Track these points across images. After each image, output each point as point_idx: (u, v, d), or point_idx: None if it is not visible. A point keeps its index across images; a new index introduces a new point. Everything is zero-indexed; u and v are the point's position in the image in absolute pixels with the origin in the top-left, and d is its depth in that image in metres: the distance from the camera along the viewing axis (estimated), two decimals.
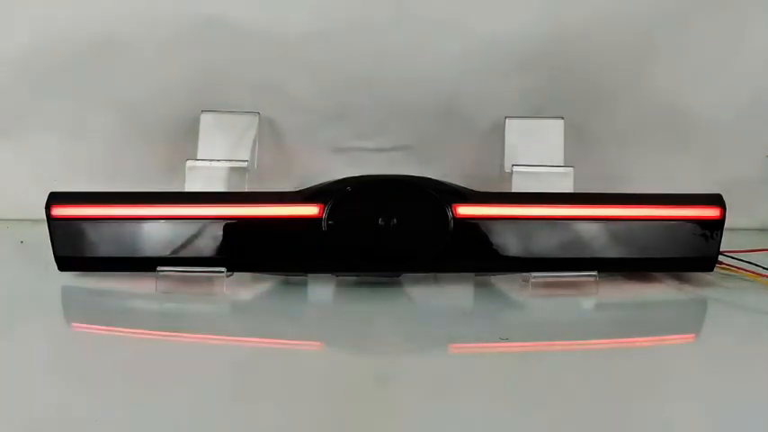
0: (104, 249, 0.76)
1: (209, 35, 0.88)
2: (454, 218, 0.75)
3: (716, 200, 0.77)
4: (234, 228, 0.76)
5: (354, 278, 0.79)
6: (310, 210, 0.75)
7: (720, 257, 0.78)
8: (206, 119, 0.88)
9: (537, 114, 0.89)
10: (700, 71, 0.91)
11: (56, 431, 0.55)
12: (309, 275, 0.79)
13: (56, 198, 0.76)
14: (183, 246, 0.76)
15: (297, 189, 0.77)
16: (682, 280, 0.81)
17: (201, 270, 0.76)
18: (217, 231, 0.76)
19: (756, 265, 0.79)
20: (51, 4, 0.88)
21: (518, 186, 0.84)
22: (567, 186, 0.83)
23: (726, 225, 0.77)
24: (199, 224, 0.76)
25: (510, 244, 0.76)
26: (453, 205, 0.75)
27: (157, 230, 0.76)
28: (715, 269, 0.78)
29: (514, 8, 0.88)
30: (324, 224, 0.75)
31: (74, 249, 0.76)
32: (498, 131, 0.88)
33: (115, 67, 0.90)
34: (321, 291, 0.78)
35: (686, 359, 0.67)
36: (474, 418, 0.56)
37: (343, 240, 0.75)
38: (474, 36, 0.89)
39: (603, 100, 0.92)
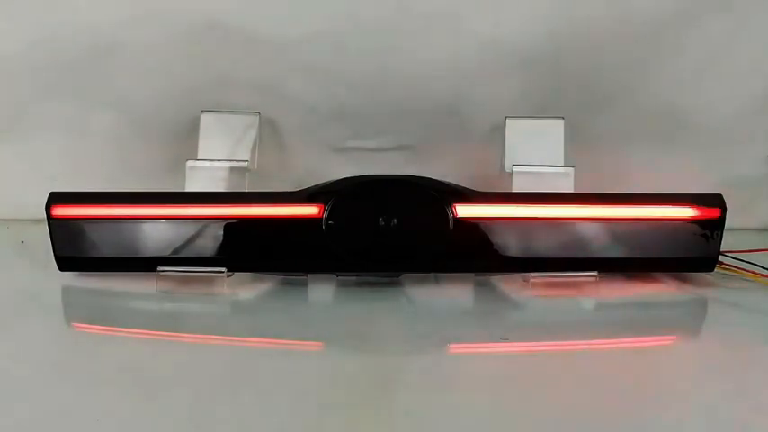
0: (104, 249, 0.76)
1: (210, 35, 0.88)
2: (454, 218, 0.75)
3: (716, 200, 0.77)
4: (234, 228, 0.76)
5: (354, 278, 0.79)
6: (310, 210, 0.75)
7: (721, 257, 0.78)
8: (206, 119, 0.88)
9: (537, 114, 0.89)
10: (700, 71, 0.91)
11: (56, 431, 0.55)
12: (309, 275, 0.79)
13: (56, 198, 0.76)
14: (184, 246, 0.76)
15: (297, 189, 0.77)
16: (682, 280, 0.81)
17: (202, 270, 0.76)
18: (217, 231, 0.76)
19: (756, 265, 0.79)
20: (52, 3, 0.88)
21: (518, 186, 0.84)
22: (567, 186, 0.83)
23: (726, 225, 0.77)
24: (199, 224, 0.76)
25: (510, 244, 0.76)
26: (453, 205, 0.75)
27: (158, 230, 0.76)
28: (715, 269, 0.78)
29: (515, 8, 0.88)
30: (324, 224, 0.75)
31: (74, 249, 0.76)
32: (499, 131, 0.88)
33: (115, 66, 0.90)
34: (321, 291, 0.78)
35: (686, 359, 0.67)
36: (474, 418, 0.56)
37: (343, 240, 0.75)
38: (474, 36, 0.89)
39: (604, 100, 0.92)
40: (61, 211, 0.76)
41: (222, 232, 0.76)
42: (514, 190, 0.83)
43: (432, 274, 0.81)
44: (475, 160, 0.93)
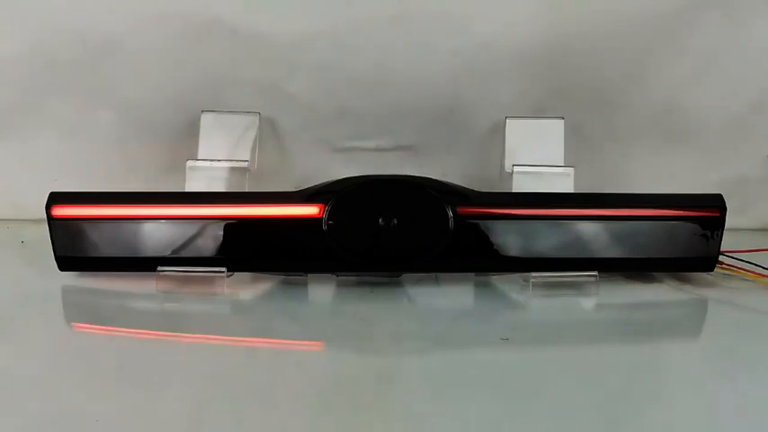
0: (104, 249, 0.76)
1: (210, 35, 0.88)
2: (454, 218, 0.75)
3: (716, 200, 0.77)
4: (234, 228, 0.76)
5: (355, 278, 0.79)
6: (310, 210, 0.75)
7: (721, 257, 0.78)
8: (206, 119, 0.88)
9: (537, 114, 0.89)
10: (700, 71, 0.91)
11: (56, 431, 0.55)
12: (309, 275, 0.79)
13: (56, 198, 0.76)
14: (184, 246, 0.76)
15: (297, 189, 0.77)
16: (682, 280, 0.81)
17: (201, 270, 0.76)
18: (217, 231, 0.76)
19: (756, 265, 0.79)
20: (52, 3, 0.88)
21: (518, 186, 0.84)
22: (567, 186, 0.83)
23: (726, 225, 0.77)
24: (199, 224, 0.76)
25: (510, 244, 0.76)
26: (454, 205, 0.75)
27: (157, 230, 0.76)
28: (715, 269, 0.78)
29: (515, 8, 0.88)
30: (324, 224, 0.75)
31: (74, 249, 0.76)
32: (499, 131, 0.88)
33: (115, 66, 0.90)
34: (321, 291, 0.78)
35: (686, 359, 0.67)
36: (474, 418, 0.56)
37: (344, 240, 0.75)
38: (474, 36, 0.89)
39: (604, 100, 0.92)
40: (61, 211, 0.76)
41: (222, 232, 0.76)
42: (514, 190, 0.83)
43: (432, 274, 0.81)
44: (475, 160, 0.93)
